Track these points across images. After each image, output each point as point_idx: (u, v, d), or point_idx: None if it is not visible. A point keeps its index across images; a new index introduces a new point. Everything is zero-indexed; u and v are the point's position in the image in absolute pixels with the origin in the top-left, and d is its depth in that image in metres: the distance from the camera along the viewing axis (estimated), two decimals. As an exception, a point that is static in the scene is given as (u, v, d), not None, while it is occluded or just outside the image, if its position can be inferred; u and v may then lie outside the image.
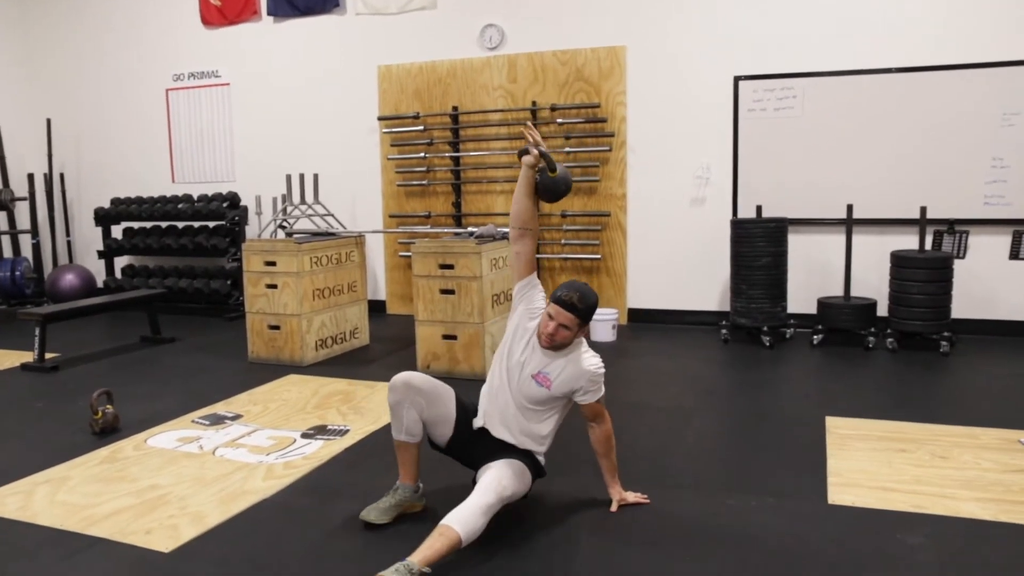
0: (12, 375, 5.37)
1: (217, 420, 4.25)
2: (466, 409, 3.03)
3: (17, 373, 5.42)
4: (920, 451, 3.55)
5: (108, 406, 4.07)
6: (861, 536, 2.76)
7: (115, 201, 8.11)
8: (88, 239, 8.64)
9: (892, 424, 3.91)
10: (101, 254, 8.09)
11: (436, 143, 7.05)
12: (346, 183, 7.43)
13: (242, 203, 7.69)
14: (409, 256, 6.81)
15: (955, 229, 5.78)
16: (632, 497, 3.07)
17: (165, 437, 3.98)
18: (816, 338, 5.69)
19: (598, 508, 3.04)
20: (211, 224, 7.74)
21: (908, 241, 5.85)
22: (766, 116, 6.10)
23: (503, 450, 2.92)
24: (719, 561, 2.61)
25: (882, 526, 2.84)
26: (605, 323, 6.05)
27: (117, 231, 8.27)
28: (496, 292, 5.12)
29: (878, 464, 3.41)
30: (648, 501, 3.07)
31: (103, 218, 8.03)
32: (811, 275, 6.14)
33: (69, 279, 7.98)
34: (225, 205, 7.52)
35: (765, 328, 5.70)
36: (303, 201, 6.60)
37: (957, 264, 5.66)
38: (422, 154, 7.06)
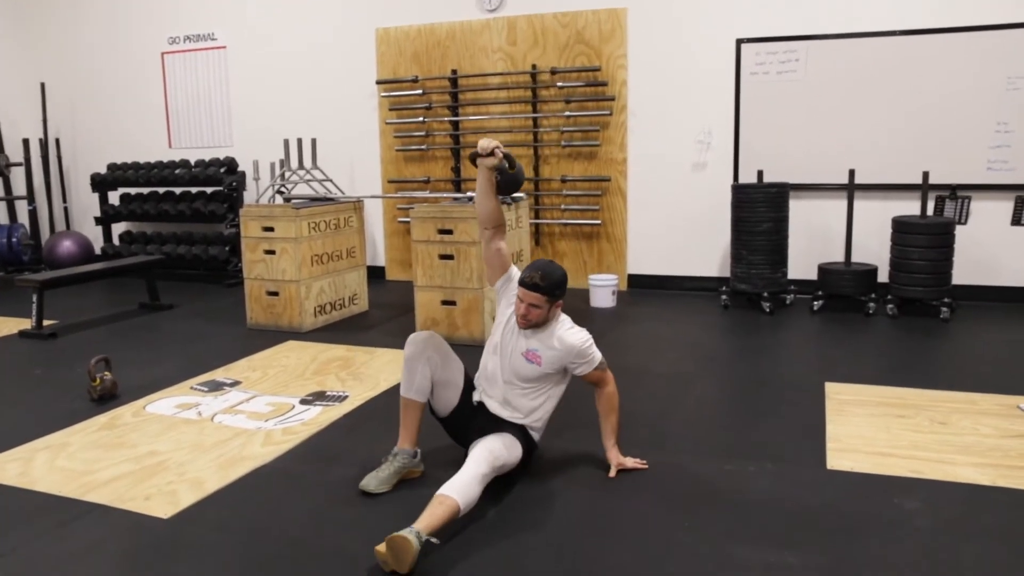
0: (10, 342, 5.36)
1: (216, 386, 4.24)
2: (469, 382, 3.11)
3: (15, 340, 5.41)
4: (919, 417, 3.55)
5: (106, 373, 4.07)
6: (859, 501, 2.77)
7: (112, 167, 8.05)
8: (85, 205, 8.60)
9: (891, 390, 3.91)
10: (98, 220, 8.04)
11: (435, 107, 6.98)
12: (344, 148, 7.36)
13: (240, 168, 7.63)
14: (408, 222, 6.76)
15: (957, 195, 5.74)
16: (631, 463, 3.07)
17: (164, 403, 3.98)
18: (816, 304, 5.67)
19: (596, 472, 3.04)
20: (209, 190, 7.69)
21: (910, 207, 5.81)
22: (768, 80, 6.03)
23: (497, 425, 2.95)
24: (718, 526, 2.62)
25: (880, 491, 2.84)
26: (605, 289, 6.03)
27: (114, 197, 8.21)
28: (495, 258, 5.09)
29: (877, 430, 3.41)
30: (646, 467, 3.07)
31: (100, 184, 7.97)
32: (812, 241, 6.10)
33: (67, 246, 7.95)
34: (223, 171, 7.46)
35: (765, 294, 5.68)
36: (301, 166, 6.55)
37: (959, 230, 5.62)
38: (421, 118, 6.99)
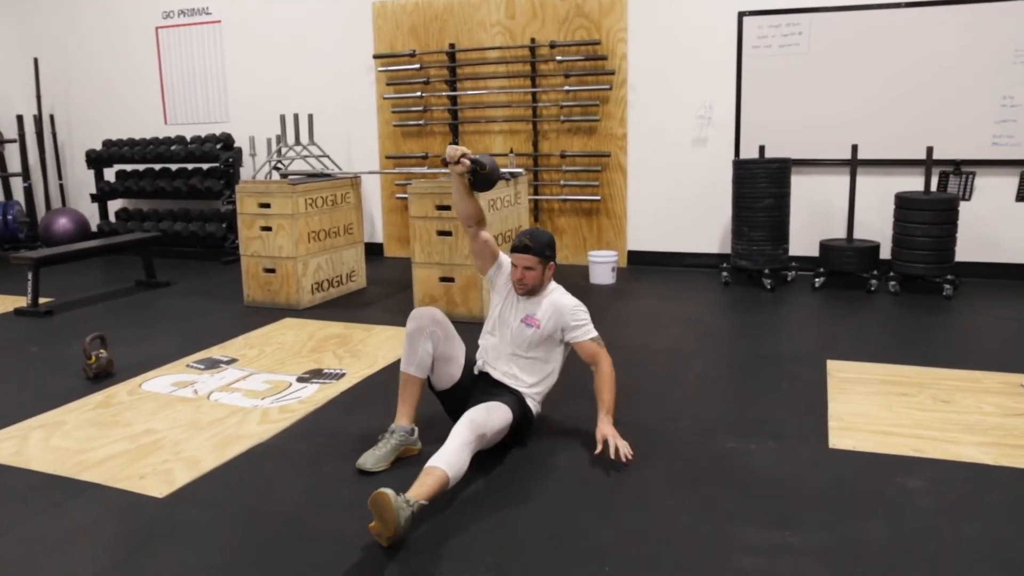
0: (5, 320, 5.33)
1: (212, 364, 4.21)
2: (470, 359, 3.16)
3: (10, 318, 5.37)
4: (921, 395, 3.52)
5: (102, 351, 4.03)
6: (861, 480, 2.74)
7: (107, 143, 7.97)
8: (81, 182, 8.52)
9: (894, 368, 3.87)
10: (94, 197, 7.98)
11: (433, 82, 6.89)
12: (341, 123, 7.28)
13: (236, 144, 7.55)
14: (406, 198, 6.70)
15: (961, 170, 5.67)
16: (624, 447, 2.85)
17: (160, 382, 3.95)
18: (818, 281, 5.63)
19: (594, 449, 3.01)
20: (205, 166, 7.61)
21: (913, 182, 5.74)
22: (771, 53, 5.94)
23: (493, 394, 2.98)
24: (719, 506, 2.59)
25: (882, 470, 2.81)
26: (605, 265, 5.98)
27: (110, 174, 8.14)
28: (494, 234, 5.02)
29: (879, 408, 3.37)
30: (632, 459, 2.85)
31: (95, 161, 7.90)
32: (814, 217, 6.05)
33: (62, 223, 7.88)
34: (219, 147, 7.39)
35: (766, 271, 5.63)
36: (298, 142, 6.48)
37: (962, 206, 5.56)
38: (418, 93, 6.90)
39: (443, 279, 5.00)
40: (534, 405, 3.12)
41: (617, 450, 2.83)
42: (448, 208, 4.89)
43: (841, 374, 3.80)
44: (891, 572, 2.21)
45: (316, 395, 3.71)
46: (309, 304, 5.46)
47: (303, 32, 7.29)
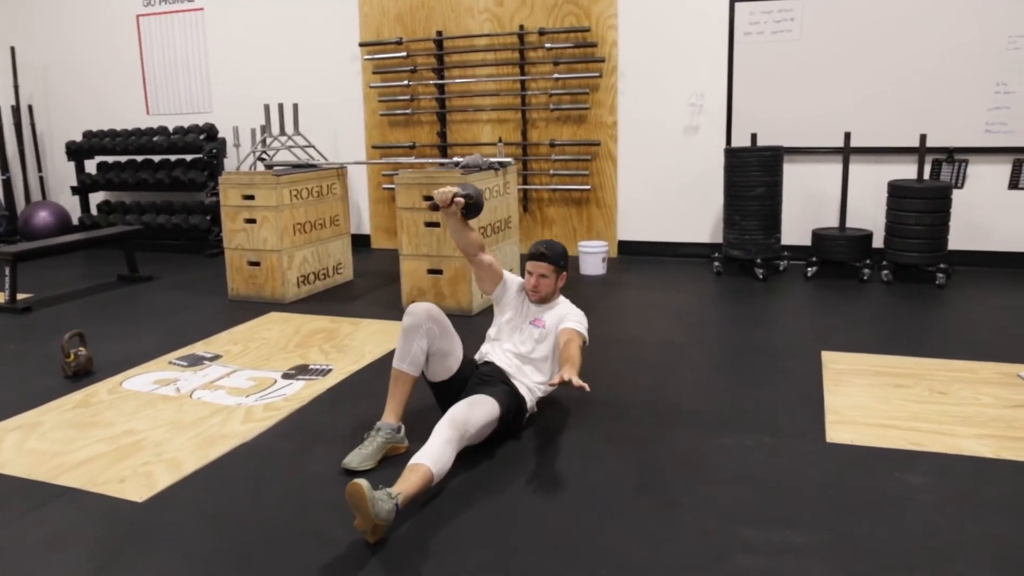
0: (-16, 316, 5.21)
1: (195, 361, 4.11)
2: (468, 354, 3.14)
3: (-11, 313, 5.26)
4: (918, 386, 3.46)
5: (81, 348, 3.93)
6: (861, 476, 2.68)
7: (87, 134, 7.82)
8: (61, 174, 8.37)
9: (889, 359, 3.82)
10: (75, 190, 7.84)
11: (420, 70, 6.78)
12: (327, 113, 7.16)
13: (220, 135, 7.43)
14: (393, 188, 6.60)
15: (954, 158, 5.62)
16: (576, 382, 2.60)
17: (141, 380, 3.84)
18: (810, 270, 5.57)
19: (589, 445, 2.94)
20: (188, 157, 7.49)
21: (906, 170, 5.69)
22: (763, 40, 5.86)
23: (490, 383, 2.98)
24: (718, 503, 2.52)
25: (881, 465, 2.75)
26: (595, 256, 5.90)
27: (91, 166, 8.00)
28: (483, 225, 4.95)
29: (876, 400, 3.32)
30: (588, 389, 2.62)
31: (75, 152, 7.75)
32: (806, 205, 5.98)
33: (43, 216, 7.74)
34: (202, 137, 7.26)
35: (759, 260, 5.57)
36: (283, 132, 6.35)
37: (955, 194, 5.51)
38: (405, 82, 6.79)
39: (431, 271, 4.91)
40: (530, 398, 3.08)
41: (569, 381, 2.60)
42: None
43: (836, 365, 3.74)
44: (894, 572, 2.15)
45: (302, 392, 3.62)
46: (295, 298, 5.36)
47: (287, 20, 7.16)
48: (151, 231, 7.32)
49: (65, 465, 2.92)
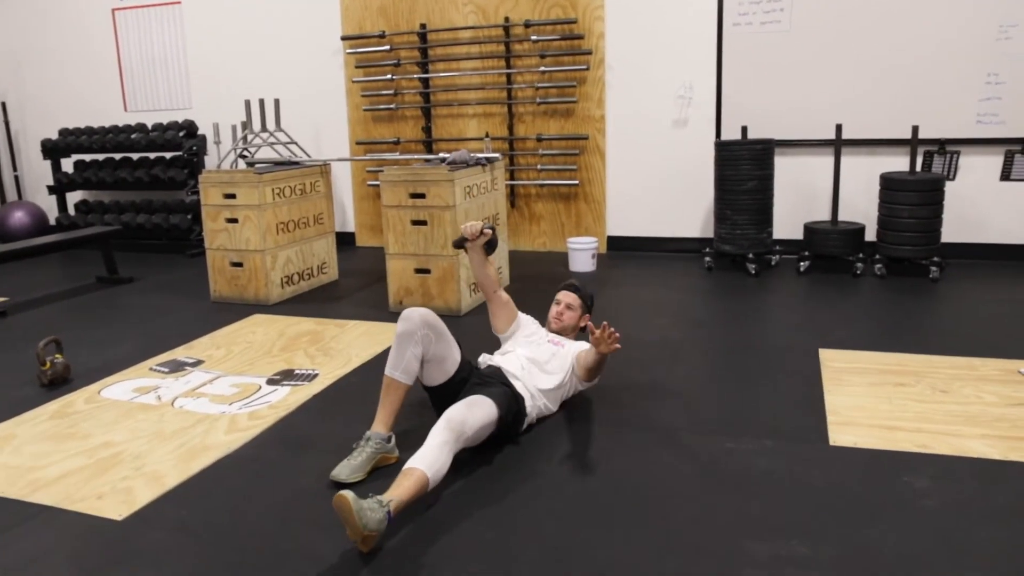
0: (-43, 321, 5.05)
1: (177, 367, 3.99)
2: (465, 358, 3.04)
3: (-37, 319, 5.10)
4: (919, 385, 3.39)
5: (57, 355, 3.80)
6: (866, 481, 2.60)
7: (63, 132, 7.64)
8: (37, 173, 8.19)
9: (888, 356, 3.75)
10: (52, 189, 7.66)
11: (404, 64, 6.65)
12: (309, 108, 7.03)
13: (200, 132, 7.27)
14: (378, 184, 6.48)
15: (946, 149, 5.56)
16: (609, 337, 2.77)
17: (120, 388, 3.72)
18: (803, 265, 5.50)
19: (588, 455, 2.85)
20: (168, 155, 7.33)
21: (898, 162, 5.63)
22: (752, 31, 5.77)
23: (488, 383, 2.91)
24: (722, 513, 2.44)
25: (887, 469, 2.68)
26: (584, 252, 5.81)
27: (68, 164, 7.82)
28: (470, 221, 4.83)
29: (877, 400, 3.24)
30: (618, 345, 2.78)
31: (51, 151, 7.57)
32: (798, 199, 5.91)
33: (18, 217, 7.56)
34: (182, 134, 7.10)
35: (750, 255, 5.49)
36: (264, 128, 6.21)
37: (947, 186, 5.45)
38: (389, 76, 6.66)
39: (419, 270, 4.80)
40: (530, 404, 3.00)
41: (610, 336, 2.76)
42: (423, 196, 4.68)
43: (835, 364, 3.67)
44: (907, 585, 2.07)
45: (287, 399, 3.51)
46: (279, 299, 5.24)
47: (267, 13, 7.01)
48: (130, 231, 7.16)
49: (40, 481, 2.80)
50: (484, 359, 3.22)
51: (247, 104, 6.15)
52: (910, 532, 2.30)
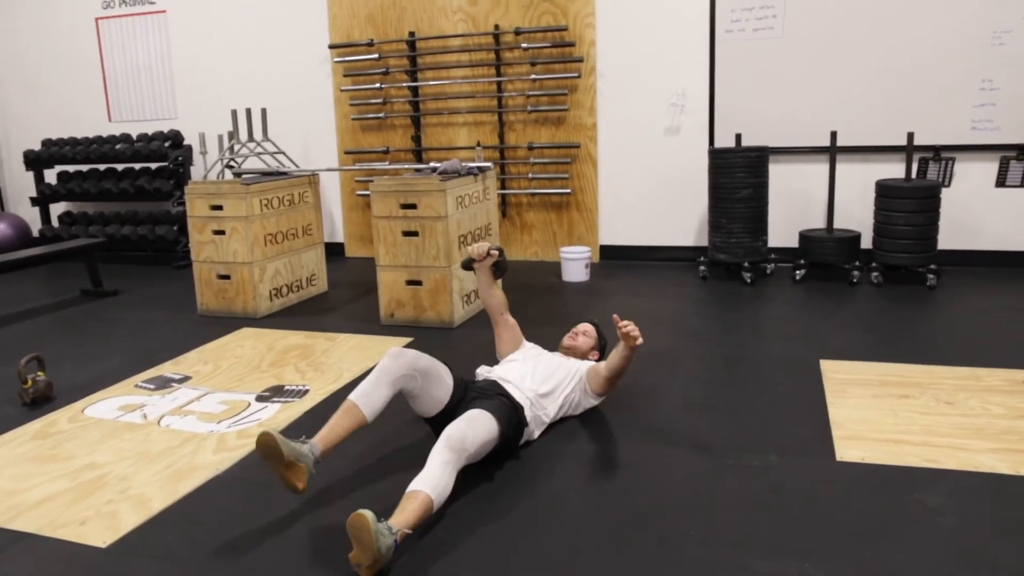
0: (-64, 337, 4.92)
1: (163, 384, 3.88)
2: (458, 380, 2.93)
3: (-58, 335, 4.97)
4: (924, 396, 3.33)
5: (39, 373, 3.68)
6: (876, 498, 2.53)
7: (47, 143, 7.52)
8: (20, 185, 8.05)
9: (890, 367, 3.68)
10: (35, 201, 7.53)
11: (392, 72, 6.57)
12: (297, 118, 6.93)
13: (185, 142, 7.16)
14: (368, 195, 6.39)
15: (941, 156, 5.52)
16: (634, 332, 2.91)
17: (105, 406, 3.61)
18: (799, 273, 5.44)
19: (589, 470, 2.77)
20: (153, 166, 7.22)
21: (892, 169, 5.59)
22: (745, 37, 5.72)
23: (487, 395, 2.84)
24: (728, 533, 2.36)
25: (897, 485, 2.60)
26: (577, 262, 5.73)
27: (51, 175, 7.69)
28: (463, 232, 4.76)
29: (883, 413, 3.17)
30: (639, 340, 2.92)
31: (34, 162, 7.44)
32: (793, 207, 5.86)
33: (1, 229, 7.42)
34: (167, 145, 6.99)
35: (746, 264, 5.44)
36: (251, 138, 6.12)
37: (942, 193, 5.41)
38: (378, 84, 6.58)
39: (410, 282, 4.71)
40: (530, 415, 2.92)
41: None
42: (414, 207, 4.60)
43: (837, 375, 3.60)
44: (926, 609, 2.00)
45: (278, 416, 3.41)
46: (267, 312, 5.14)
47: (254, 22, 6.92)
48: (115, 243, 7.04)
49: (21, 506, 2.69)
50: (482, 371, 3.14)
51: (234, 114, 6.07)
52: (926, 552, 2.23)
